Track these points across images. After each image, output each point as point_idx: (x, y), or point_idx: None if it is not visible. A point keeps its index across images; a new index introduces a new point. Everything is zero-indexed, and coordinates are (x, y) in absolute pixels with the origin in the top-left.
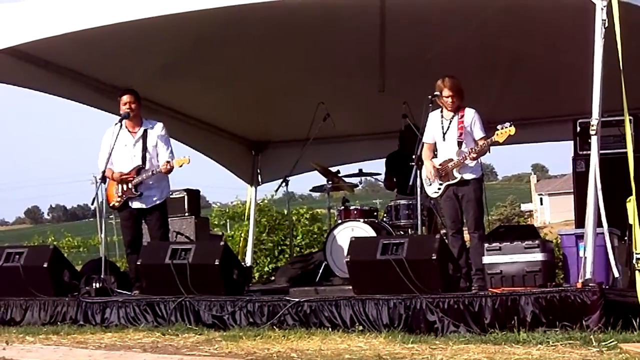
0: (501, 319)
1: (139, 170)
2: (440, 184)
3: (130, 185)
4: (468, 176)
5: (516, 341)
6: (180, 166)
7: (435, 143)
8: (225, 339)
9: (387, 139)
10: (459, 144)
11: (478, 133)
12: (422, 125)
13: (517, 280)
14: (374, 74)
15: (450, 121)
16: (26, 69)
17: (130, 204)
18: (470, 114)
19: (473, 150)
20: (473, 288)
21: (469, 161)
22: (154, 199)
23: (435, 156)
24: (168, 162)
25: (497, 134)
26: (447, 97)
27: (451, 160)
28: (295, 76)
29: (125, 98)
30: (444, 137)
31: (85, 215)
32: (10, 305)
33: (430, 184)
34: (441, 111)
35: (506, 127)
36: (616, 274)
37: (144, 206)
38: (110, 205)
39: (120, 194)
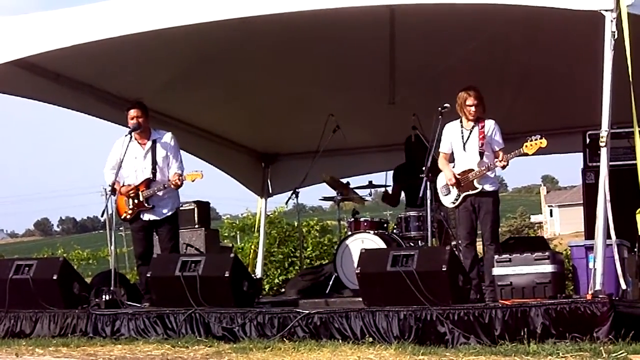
0: (511, 331)
1: (148, 182)
2: (459, 194)
3: (141, 198)
4: (488, 187)
5: (526, 353)
6: (193, 181)
7: (452, 153)
8: (236, 351)
9: (397, 150)
10: (481, 154)
11: (498, 144)
12: (432, 136)
13: (527, 291)
14: (383, 86)
15: (471, 131)
16: (36, 81)
17: (141, 216)
18: (490, 124)
19: (502, 158)
20: (487, 299)
21: (489, 172)
22: (165, 210)
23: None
24: (179, 176)
25: (527, 146)
26: (471, 105)
27: (471, 170)
28: (305, 88)
29: (133, 112)
30: (464, 147)
31: (95, 228)
32: (20, 318)
33: (447, 194)
34: (460, 121)
35: (537, 139)
36: (623, 286)
37: (155, 218)
38: (122, 217)
39: (131, 206)
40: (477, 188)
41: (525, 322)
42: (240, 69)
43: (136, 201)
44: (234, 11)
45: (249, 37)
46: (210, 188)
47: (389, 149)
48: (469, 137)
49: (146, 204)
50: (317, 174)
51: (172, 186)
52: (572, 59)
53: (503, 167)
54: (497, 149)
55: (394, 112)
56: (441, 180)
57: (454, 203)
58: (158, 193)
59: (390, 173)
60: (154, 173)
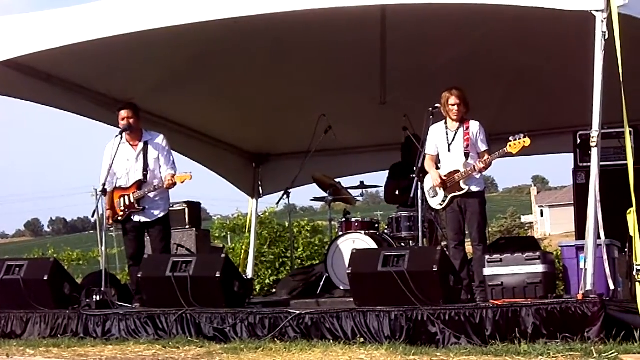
0: (502, 331)
1: (140, 184)
2: (445, 196)
3: (132, 200)
4: (474, 188)
5: (517, 353)
6: (182, 182)
7: (437, 155)
8: (227, 352)
9: (388, 151)
10: (466, 155)
11: (482, 145)
12: (423, 137)
13: (518, 291)
14: (375, 87)
15: (456, 132)
16: (28, 81)
17: (133, 217)
18: (475, 125)
19: (483, 161)
20: (478, 300)
21: (476, 173)
22: (157, 212)
23: (437, 168)
24: (172, 176)
25: (510, 145)
26: (454, 104)
27: (457, 171)
28: (297, 89)
29: (124, 113)
30: (449, 148)
31: (85, 228)
32: (11, 318)
33: (434, 196)
34: (445, 122)
35: (520, 139)
36: (611, 286)
37: (147, 220)
38: (113, 219)
39: (122, 208)
40: (463, 189)
41: (516, 322)
42: (232, 70)
43: (127, 202)
44: (225, 11)
45: (241, 38)
46: (201, 188)
47: (380, 149)
48: (454, 138)
49: (137, 206)
50: (308, 174)
51: (165, 187)
52: (563, 59)
53: (481, 170)
54: (482, 150)
55: (385, 113)
56: (428, 182)
57: (441, 205)
58: (149, 195)
59: (380, 173)
60: (145, 175)
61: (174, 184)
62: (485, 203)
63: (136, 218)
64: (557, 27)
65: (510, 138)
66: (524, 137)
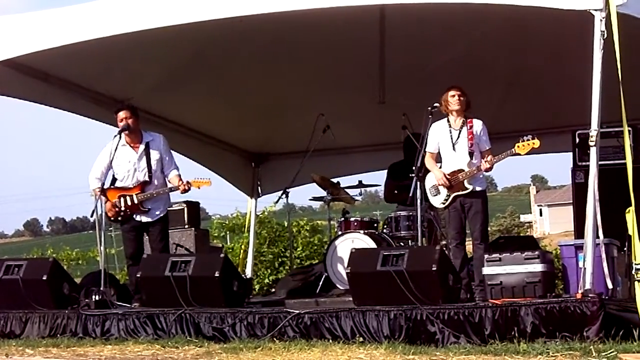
0: (501, 330)
1: (144, 185)
2: (448, 195)
3: (136, 201)
4: (478, 187)
5: (516, 352)
6: (199, 188)
7: (438, 153)
8: (226, 351)
9: (387, 150)
10: (470, 154)
11: (485, 144)
12: (423, 135)
13: (517, 291)
14: (373, 86)
15: (460, 131)
16: (26, 81)
17: (135, 216)
18: (478, 124)
19: (488, 161)
20: (477, 299)
21: (480, 173)
22: (158, 212)
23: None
24: (187, 183)
25: (519, 146)
26: (453, 95)
27: (461, 170)
28: (296, 88)
29: (122, 114)
30: (453, 147)
31: (84, 228)
32: (10, 318)
33: (436, 194)
34: (447, 121)
35: (529, 140)
36: (609, 285)
37: (148, 219)
38: (112, 219)
39: (123, 208)
40: (467, 189)
41: (516, 321)
42: (231, 69)
43: (129, 203)
44: (224, 11)
45: (240, 37)
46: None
47: (379, 149)
48: (458, 137)
49: (142, 207)
50: (307, 173)
51: (180, 191)
52: (562, 59)
53: (487, 170)
54: (485, 149)
55: (384, 112)
56: (430, 181)
57: (443, 204)
58: (154, 195)
59: (379, 173)
60: (150, 177)
61: (189, 189)
62: (487, 201)
63: (137, 217)
64: (556, 27)
65: (520, 138)
66: (533, 138)
